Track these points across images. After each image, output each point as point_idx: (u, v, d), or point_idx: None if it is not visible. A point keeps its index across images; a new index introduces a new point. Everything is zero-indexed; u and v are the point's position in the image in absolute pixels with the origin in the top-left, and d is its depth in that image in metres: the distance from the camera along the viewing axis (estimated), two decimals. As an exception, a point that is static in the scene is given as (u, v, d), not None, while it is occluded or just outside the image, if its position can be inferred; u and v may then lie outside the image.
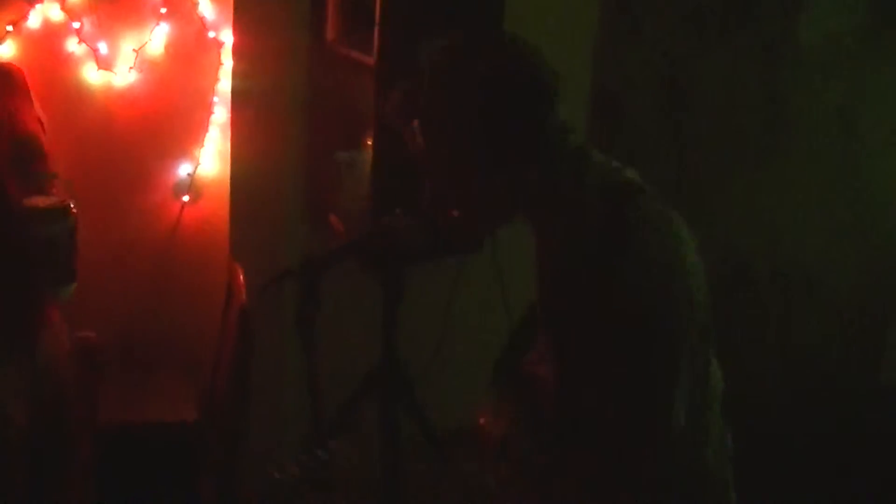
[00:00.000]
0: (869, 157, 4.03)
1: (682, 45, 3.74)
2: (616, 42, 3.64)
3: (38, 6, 3.16)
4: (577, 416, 1.70)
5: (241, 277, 3.10)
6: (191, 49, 3.29)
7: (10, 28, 3.15)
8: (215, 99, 3.32)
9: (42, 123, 2.98)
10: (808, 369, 4.24)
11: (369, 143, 2.92)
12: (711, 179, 3.87)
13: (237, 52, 3.23)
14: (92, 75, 3.24)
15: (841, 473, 3.92)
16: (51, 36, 3.19)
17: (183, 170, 3.38)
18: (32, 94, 3.04)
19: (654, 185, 1.73)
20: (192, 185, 3.38)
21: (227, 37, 3.26)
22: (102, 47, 3.22)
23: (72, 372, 2.67)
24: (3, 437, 2.41)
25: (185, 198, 3.38)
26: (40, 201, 2.76)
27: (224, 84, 3.30)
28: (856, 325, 4.24)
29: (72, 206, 2.81)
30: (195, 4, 3.23)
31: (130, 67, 3.24)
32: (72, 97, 3.20)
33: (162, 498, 2.94)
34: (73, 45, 3.21)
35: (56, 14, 3.18)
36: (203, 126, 3.34)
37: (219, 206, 3.38)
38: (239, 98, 3.26)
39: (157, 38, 3.24)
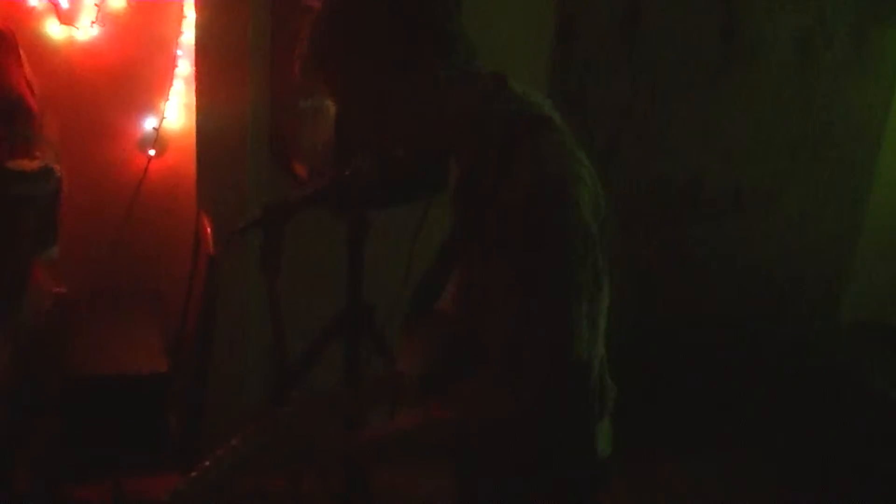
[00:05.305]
0: (823, 81, 4.05)
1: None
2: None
3: (-3, -38, 3.14)
4: (479, 344, 1.70)
5: (209, 228, 3.12)
6: (152, 2, 3.28)
7: (-31, -17, 3.14)
8: (178, 52, 3.32)
9: (31, 85, 2.97)
10: (766, 288, 4.29)
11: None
12: (668, 98, 3.88)
13: (199, 3, 3.23)
14: (54, 30, 3.23)
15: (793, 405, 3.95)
16: (11, -9, 3.18)
17: (148, 123, 3.38)
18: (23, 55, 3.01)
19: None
20: (157, 139, 3.38)
21: (188, -11, 3.26)
22: (63, 2, 3.21)
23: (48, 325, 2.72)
24: None
25: (152, 151, 3.39)
26: (26, 164, 2.77)
27: (187, 36, 3.30)
28: (814, 247, 4.29)
29: (57, 168, 2.81)
30: (156, -44, 3.23)
31: (93, 21, 3.24)
32: (34, 52, 3.18)
33: (133, 440, 2.97)
34: (34, 0, 3.19)
35: (16, -31, 3.17)
36: (167, 79, 3.34)
37: (185, 158, 3.39)
38: (202, 50, 3.26)
39: (118, -9, 3.24)
